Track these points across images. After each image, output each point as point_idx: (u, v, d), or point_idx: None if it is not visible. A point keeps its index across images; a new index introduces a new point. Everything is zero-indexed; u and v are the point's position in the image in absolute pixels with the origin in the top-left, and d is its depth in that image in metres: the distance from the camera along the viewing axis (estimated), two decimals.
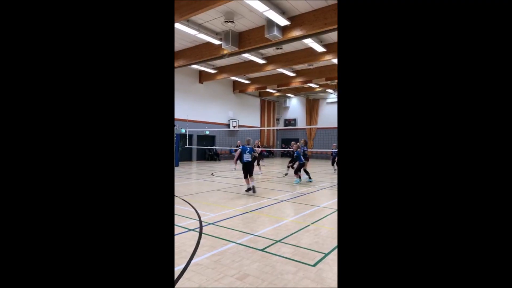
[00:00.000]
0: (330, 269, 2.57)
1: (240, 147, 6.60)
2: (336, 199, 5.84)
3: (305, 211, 4.79)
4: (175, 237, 3.38)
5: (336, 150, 10.50)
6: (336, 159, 10.48)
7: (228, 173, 10.52)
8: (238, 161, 7.02)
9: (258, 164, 10.10)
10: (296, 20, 8.44)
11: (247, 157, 6.38)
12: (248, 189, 6.34)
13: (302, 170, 8.31)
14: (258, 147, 10.56)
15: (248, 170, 6.36)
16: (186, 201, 5.39)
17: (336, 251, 3.00)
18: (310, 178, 8.41)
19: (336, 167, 11.16)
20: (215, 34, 9.87)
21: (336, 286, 2.24)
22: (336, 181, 8.79)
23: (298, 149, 8.28)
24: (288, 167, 10.06)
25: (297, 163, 8.41)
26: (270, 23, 8.46)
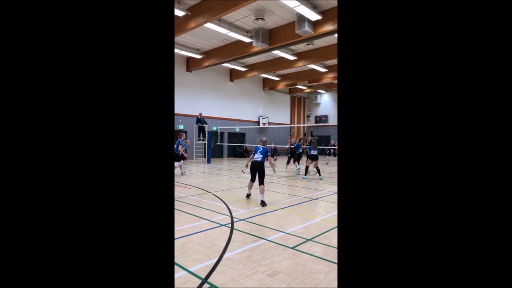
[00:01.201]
0: None
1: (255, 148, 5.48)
2: None
3: (336, 211, 4.68)
4: (208, 231, 3.49)
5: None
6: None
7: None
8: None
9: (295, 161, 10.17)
10: (328, 14, 8.21)
11: (257, 157, 5.20)
12: (248, 196, 5.44)
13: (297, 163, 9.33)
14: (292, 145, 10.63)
15: (255, 172, 5.16)
16: (218, 197, 5.53)
17: None
18: (305, 175, 8.47)
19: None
20: (245, 32, 9.94)
21: None
22: None
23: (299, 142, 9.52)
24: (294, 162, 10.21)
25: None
26: (301, 19, 8.32)
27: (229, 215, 4.26)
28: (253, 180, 5.29)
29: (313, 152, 8.43)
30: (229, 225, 3.74)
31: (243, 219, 4.04)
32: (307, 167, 8.55)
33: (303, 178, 8.34)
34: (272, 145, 10.28)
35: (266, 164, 5.47)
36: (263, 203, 4.91)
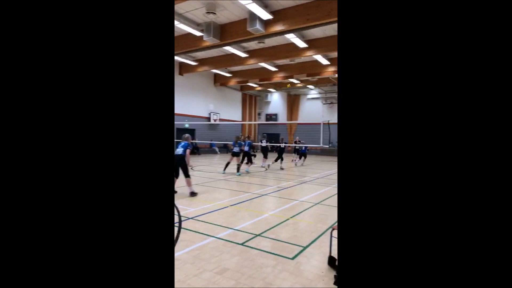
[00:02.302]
0: (308, 262, 2.63)
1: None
2: (315, 193, 5.97)
3: (285, 205, 4.86)
4: None
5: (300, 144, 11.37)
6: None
7: (209, 167, 10.43)
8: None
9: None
10: (278, 15, 8.42)
11: (178, 151, 5.39)
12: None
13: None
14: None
15: (177, 167, 5.38)
16: None
17: (314, 244, 3.07)
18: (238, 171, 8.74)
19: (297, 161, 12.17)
20: (196, 25, 9.64)
21: (314, 279, 2.30)
22: (315, 175, 8.98)
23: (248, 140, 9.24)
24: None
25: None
26: (253, 16, 8.38)
27: (177, 214, 4.11)
28: (176, 176, 5.39)
29: (235, 150, 8.91)
30: (177, 224, 3.61)
31: (191, 218, 3.93)
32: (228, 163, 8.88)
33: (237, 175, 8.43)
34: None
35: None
36: (192, 194, 5.24)
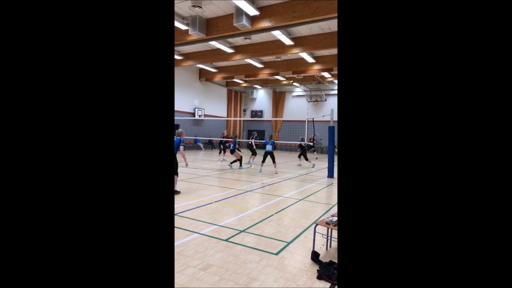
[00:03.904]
0: (292, 257, 2.66)
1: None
2: (299, 190, 6.05)
3: (269, 201, 4.89)
4: None
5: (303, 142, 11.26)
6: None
7: (193, 163, 10.32)
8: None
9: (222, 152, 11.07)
10: (265, 11, 8.39)
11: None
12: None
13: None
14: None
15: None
16: None
17: (298, 239, 3.12)
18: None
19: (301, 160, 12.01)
20: (181, 18, 9.45)
21: (297, 273, 2.34)
22: (298, 172, 9.09)
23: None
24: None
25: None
26: (239, 12, 8.30)
27: None
28: (176, 173, 5.11)
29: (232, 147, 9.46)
30: None
31: (176, 214, 3.88)
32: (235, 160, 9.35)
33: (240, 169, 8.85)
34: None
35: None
36: (175, 192, 5.09)
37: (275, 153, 9.41)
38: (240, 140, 15.58)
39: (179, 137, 5.26)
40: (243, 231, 3.31)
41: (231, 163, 9.35)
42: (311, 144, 12.57)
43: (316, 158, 14.18)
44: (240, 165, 9.30)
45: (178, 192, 5.22)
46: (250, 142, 11.03)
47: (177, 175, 5.22)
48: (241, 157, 9.36)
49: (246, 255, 2.64)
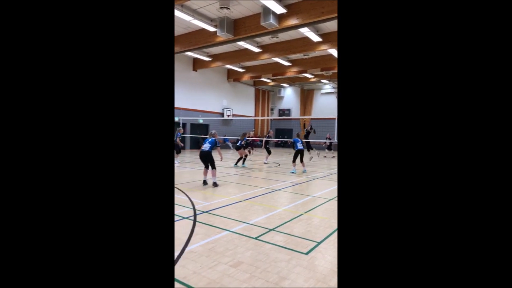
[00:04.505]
0: (323, 257, 2.62)
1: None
2: (329, 189, 5.92)
3: (298, 201, 4.85)
4: None
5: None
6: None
7: (222, 162, 10.53)
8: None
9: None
10: (292, 8, 8.31)
11: (204, 147, 5.87)
12: (204, 182, 5.94)
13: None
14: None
15: (204, 160, 5.92)
16: (180, 190, 5.39)
17: (328, 239, 3.06)
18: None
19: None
20: (210, 20, 9.66)
21: (328, 274, 2.30)
22: (328, 171, 8.89)
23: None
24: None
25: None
26: (266, 11, 8.31)
27: (192, 207, 4.19)
28: (206, 167, 5.97)
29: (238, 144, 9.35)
30: (192, 218, 3.68)
31: (206, 211, 3.99)
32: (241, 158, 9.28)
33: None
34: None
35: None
36: (215, 184, 5.74)
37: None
38: (271, 139, 15.59)
39: (214, 138, 6.02)
40: (273, 229, 3.32)
41: (236, 163, 9.17)
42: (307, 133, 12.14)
43: (333, 156, 13.95)
44: (243, 163, 9.15)
45: (217, 185, 5.76)
46: (265, 140, 11.00)
47: (215, 169, 5.88)
48: (246, 155, 9.24)
49: (275, 253, 2.65)
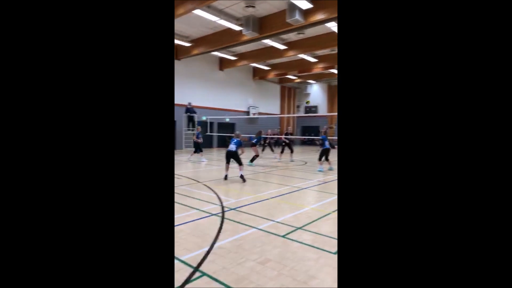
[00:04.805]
0: None
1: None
2: None
3: (326, 199, 4.77)
4: (199, 221, 3.50)
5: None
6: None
7: (248, 160, 10.63)
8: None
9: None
10: (319, 3, 8.14)
11: (231, 147, 6.37)
12: (226, 177, 6.36)
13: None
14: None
15: (229, 159, 6.44)
16: (208, 187, 5.53)
17: None
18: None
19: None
20: (235, 19, 9.75)
21: None
22: None
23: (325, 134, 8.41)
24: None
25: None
26: (292, 7, 8.21)
27: (220, 204, 4.28)
28: (228, 163, 6.50)
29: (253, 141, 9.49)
30: (220, 215, 3.76)
31: (233, 209, 4.06)
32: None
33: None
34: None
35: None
36: (242, 177, 6.14)
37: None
38: (292, 137, 15.45)
39: (238, 138, 6.56)
40: (300, 228, 3.30)
41: (251, 160, 9.00)
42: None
43: None
44: (251, 161, 8.99)
45: (244, 180, 6.09)
46: (284, 138, 10.85)
47: (242, 165, 6.37)
48: (257, 155, 9.09)
49: (303, 252, 2.64)
